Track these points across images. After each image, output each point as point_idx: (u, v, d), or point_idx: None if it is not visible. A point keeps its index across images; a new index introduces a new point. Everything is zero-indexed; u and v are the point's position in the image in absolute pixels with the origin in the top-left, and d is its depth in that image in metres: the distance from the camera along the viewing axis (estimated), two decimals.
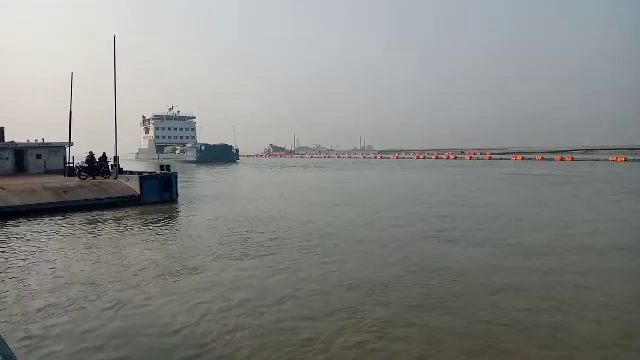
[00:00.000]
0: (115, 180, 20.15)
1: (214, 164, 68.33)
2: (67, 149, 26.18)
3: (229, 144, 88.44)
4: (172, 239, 12.23)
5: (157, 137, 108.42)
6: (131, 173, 21.15)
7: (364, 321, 6.50)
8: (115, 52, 20.85)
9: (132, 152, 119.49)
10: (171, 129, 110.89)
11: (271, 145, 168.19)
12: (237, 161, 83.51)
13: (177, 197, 20.18)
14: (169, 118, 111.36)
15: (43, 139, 27.57)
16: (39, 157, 27.81)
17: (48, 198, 17.24)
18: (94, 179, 21.44)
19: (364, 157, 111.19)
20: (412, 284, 8.04)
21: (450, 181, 31.71)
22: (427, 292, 7.61)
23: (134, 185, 19.34)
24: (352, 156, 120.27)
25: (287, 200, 20.77)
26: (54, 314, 6.66)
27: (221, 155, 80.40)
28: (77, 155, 25.49)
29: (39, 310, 6.77)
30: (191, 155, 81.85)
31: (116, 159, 20.93)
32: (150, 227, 14.12)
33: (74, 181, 20.07)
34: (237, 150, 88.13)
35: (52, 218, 15.37)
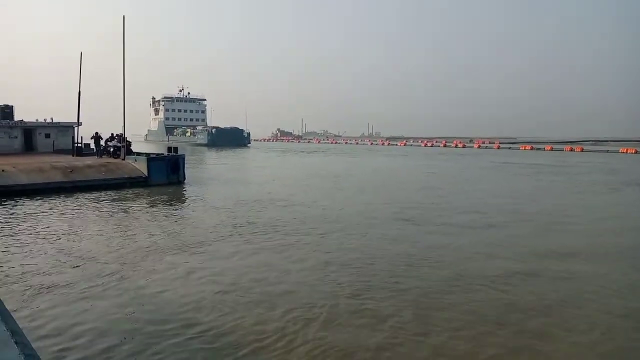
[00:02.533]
0: (123, 161, 20.17)
1: (224, 148, 68.26)
2: (76, 128, 26.18)
3: (240, 128, 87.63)
4: (179, 220, 12.52)
5: (167, 118, 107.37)
6: (139, 154, 21.07)
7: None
8: (124, 32, 20.59)
9: (140, 133, 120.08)
10: (181, 110, 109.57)
11: (278, 129, 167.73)
12: (248, 145, 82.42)
13: (184, 179, 20.15)
14: (178, 99, 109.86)
15: (52, 119, 27.56)
16: (47, 136, 27.89)
17: (56, 177, 17.29)
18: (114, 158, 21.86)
19: (371, 144, 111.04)
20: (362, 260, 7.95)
21: (436, 169, 33.10)
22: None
23: (142, 167, 19.37)
24: (360, 142, 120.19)
25: (283, 184, 20.96)
26: (56, 291, 6.88)
27: (232, 139, 79.81)
28: (85, 135, 25.53)
29: (43, 286, 6.99)
30: (202, 138, 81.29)
31: (125, 139, 20.88)
32: (158, 208, 14.36)
33: (82, 161, 20.03)
34: (249, 134, 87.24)
35: (60, 197, 15.35)
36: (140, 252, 8.74)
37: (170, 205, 14.98)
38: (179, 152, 21.33)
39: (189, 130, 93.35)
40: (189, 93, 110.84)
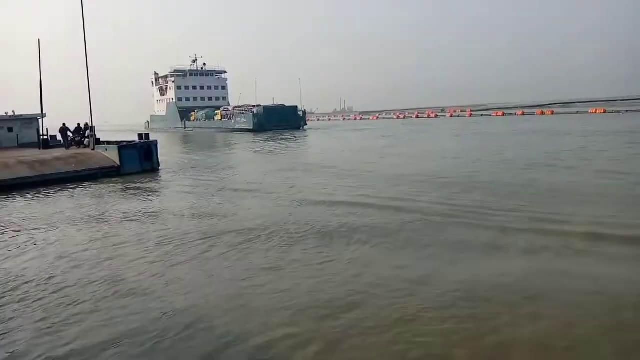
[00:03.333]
0: (93, 151, 19.54)
1: (276, 132, 56.95)
2: (40, 120, 25.02)
3: (292, 105, 71.20)
4: (156, 209, 13.16)
5: (180, 98, 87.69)
6: (109, 143, 20.38)
7: None
8: (83, 15, 19.70)
9: (133, 122, 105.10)
10: (196, 87, 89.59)
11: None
12: (305, 127, 68.55)
13: (158, 166, 19.59)
14: (192, 73, 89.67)
15: (13, 112, 26.36)
16: (10, 130, 27.16)
17: (24, 172, 16.52)
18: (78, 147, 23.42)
19: (344, 119, 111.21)
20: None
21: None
22: None
23: (113, 156, 19.17)
24: (332, 118, 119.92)
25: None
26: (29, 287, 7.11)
27: (284, 120, 65.18)
28: (52, 127, 24.52)
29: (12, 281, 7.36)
30: (243, 122, 66.21)
31: (92, 128, 20.10)
32: (134, 197, 15.33)
33: (50, 154, 19.18)
34: (304, 112, 71.59)
35: (28, 192, 14.76)
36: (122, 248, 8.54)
37: (148, 195, 16.02)
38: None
39: (218, 112, 75.60)
40: (204, 64, 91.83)
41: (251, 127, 62.92)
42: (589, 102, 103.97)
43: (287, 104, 70.33)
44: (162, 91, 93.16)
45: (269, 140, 42.90)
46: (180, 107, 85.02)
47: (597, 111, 67.16)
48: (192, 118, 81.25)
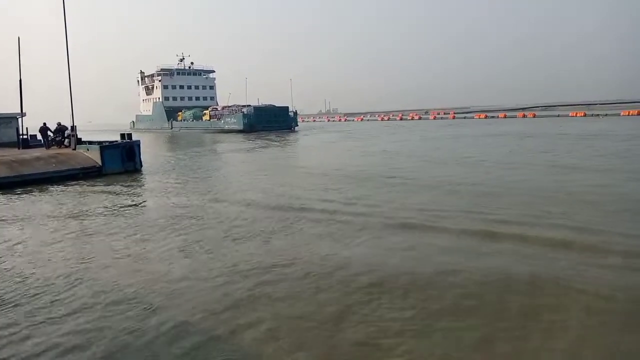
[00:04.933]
0: (74, 151, 19.27)
1: (266, 132, 57.48)
2: (20, 119, 24.59)
3: (283, 105, 70.76)
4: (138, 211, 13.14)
5: (167, 98, 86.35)
6: (91, 142, 20.15)
7: None
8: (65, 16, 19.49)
9: (118, 122, 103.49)
10: (184, 87, 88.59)
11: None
12: (296, 128, 68.22)
13: (141, 166, 19.41)
14: (180, 72, 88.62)
15: None
16: None
17: (2, 172, 16.25)
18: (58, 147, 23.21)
19: (328, 120, 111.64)
20: None
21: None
22: None
23: (95, 156, 18.98)
24: (317, 119, 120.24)
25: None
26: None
27: (275, 120, 65.08)
28: (32, 127, 24.21)
29: None
30: (233, 122, 65.54)
31: (73, 128, 19.81)
32: (115, 198, 15.10)
33: (30, 153, 18.94)
34: (295, 113, 71.26)
35: (8, 193, 14.46)
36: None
37: (129, 195, 15.69)
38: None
39: (207, 112, 74.95)
40: (192, 63, 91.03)
41: (241, 127, 62.23)
42: (571, 105, 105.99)
43: (277, 105, 69.67)
44: (148, 90, 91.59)
45: (257, 140, 42.98)
46: (166, 107, 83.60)
47: (577, 114, 68.33)
48: (179, 118, 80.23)
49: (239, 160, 27.27)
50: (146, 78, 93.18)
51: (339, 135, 49.88)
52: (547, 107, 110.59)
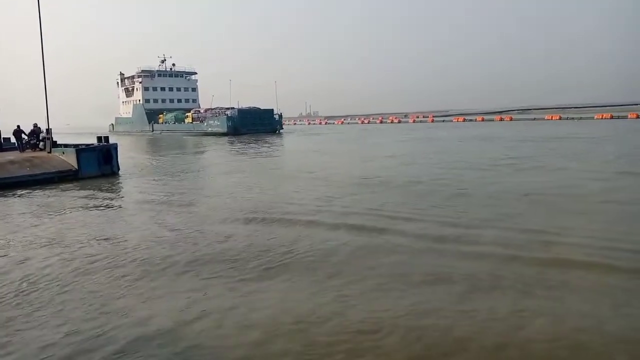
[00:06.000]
0: (49, 154, 18.85)
1: (251, 135, 56.78)
2: None
3: (267, 108, 69.64)
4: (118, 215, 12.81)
5: (147, 100, 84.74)
6: (66, 145, 19.77)
7: None
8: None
9: (96, 125, 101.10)
10: (165, 89, 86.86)
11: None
12: (281, 130, 67.95)
13: (118, 169, 19.06)
14: (161, 74, 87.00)
15: None
16: None
17: None
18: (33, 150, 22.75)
19: (309, 123, 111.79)
20: None
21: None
22: None
23: (71, 159, 18.68)
24: (297, 122, 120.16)
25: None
26: None
27: (260, 123, 64.41)
28: (5, 130, 23.69)
29: None
30: (216, 125, 64.41)
31: (48, 130, 19.46)
32: (92, 202, 14.77)
33: (3, 157, 18.54)
34: (280, 116, 70.37)
35: None
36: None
37: (106, 200, 15.35)
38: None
39: (189, 114, 73.71)
40: (174, 65, 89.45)
41: (225, 130, 61.45)
42: (548, 108, 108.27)
43: (261, 107, 69.31)
44: (129, 92, 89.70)
45: (242, 143, 42.55)
46: (147, 109, 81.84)
47: (553, 118, 69.71)
48: (161, 120, 78.65)
49: (222, 164, 26.61)
50: (126, 80, 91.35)
51: (326, 137, 49.87)
52: (524, 110, 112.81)
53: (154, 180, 19.33)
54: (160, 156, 32.67)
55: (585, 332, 5.04)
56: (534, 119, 72.78)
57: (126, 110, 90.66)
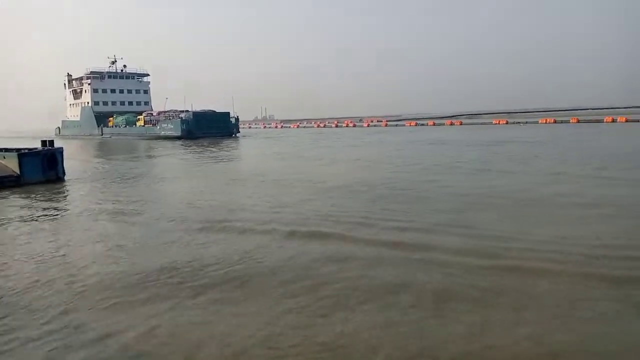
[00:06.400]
0: None
1: (206, 139, 55.46)
2: None
3: (223, 111, 67.43)
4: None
5: (97, 102, 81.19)
6: (7, 150, 18.92)
7: None
8: None
9: (42, 128, 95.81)
10: (115, 91, 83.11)
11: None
12: (238, 134, 66.73)
13: (64, 175, 18.44)
14: (111, 75, 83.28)
15: None
16: None
17: None
18: None
19: (265, 127, 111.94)
20: None
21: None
22: None
23: (12, 164, 17.97)
24: (253, 126, 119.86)
25: None
26: None
27: (215, 126, 62.40)
28: None
29: None
30: (170, 128, 62.58)
31: None
32: (32, 211, 13.96)
33: None
34: (237, 119, 69.05)
35: None
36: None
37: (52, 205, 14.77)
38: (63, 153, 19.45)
39: (141, 117, 70.97)
40: (125, 66, 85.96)
41: (179, 133, 59.84)
42: (495, 113, 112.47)
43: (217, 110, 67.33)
44: (76, 94, 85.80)
45: (196, 147, 41.83)
46: (96, 112, 78.60)
47: (500, 122, 72.39)
48: (111, 124, 75.99)
49: (174, 169, 26.23)
50: (74, 81, 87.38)
51: (283, 141, 49.53)
52: (473, 115, 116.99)
53: (101, 186, 18.79)
54: (109, 161, 31.62)
55: (537, 343, 4.99)
56: (482, 123, 75.61)
57: (74, 113, 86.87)
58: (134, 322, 5.71)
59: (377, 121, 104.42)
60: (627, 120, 58.58)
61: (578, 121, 64.00)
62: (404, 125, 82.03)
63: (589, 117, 73.77)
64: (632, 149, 25.81)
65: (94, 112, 78.73)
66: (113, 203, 14.33)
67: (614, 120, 60.32)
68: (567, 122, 64.57)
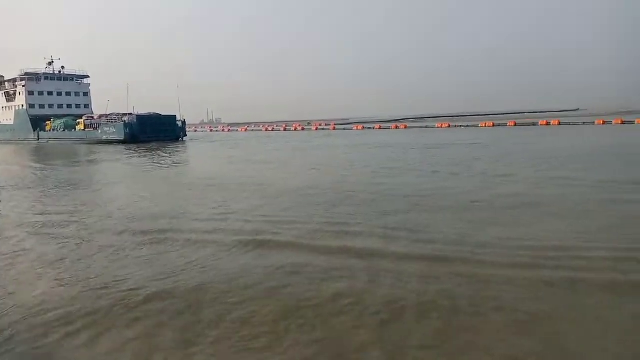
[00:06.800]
0: None
1: (152, 143, 53.29)
2: None
3: (169, 114, 65.07)
4: None
5: (32, 105, 77.43)
6: None
7: None
8: None
9: None
10: (53, 93, 79.61)
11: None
12: (184, 138, 64.61)
13: None
14: (48, 77, 79.59)
15: None
16: None
17: None
18: None
19: (211, 130, 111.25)
20: None
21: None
22: None
23: None
24: (199, 129, 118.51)
25: None
26: None
27: (161, 130, 60.54)
28: None
29: None
30: (112, 132, 59.69)
31: None
32: None
33: None
34: (184, 122, 66.76)
35: None
36: None
37: None
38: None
39: (81, 121, 67.17)
40: (63, 68, 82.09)
41: (122, 137, 57.38)
42: (439, 117, 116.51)
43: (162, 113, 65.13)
44: (9, 97, 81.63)
45: (140, 151, 40.23)
46: (32, 116, 75.15)
47: (443, 125, 74.65)
48: (48, 128, 72.55)
49: (115, 174, 24.92)
50: (6, 83, 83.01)
51: (230, 144, 48.85)
52: (418, 118, 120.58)
53: (33, 195, 17.41)
54: (45, 167, 29.51)
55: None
56: (426, 126, 77.46)
57: (6, 117, 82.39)
58: None
59: (325, 125, 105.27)
60: (559, 123, 61.85)
61: (515, 124, 66.62)
62: (351, 129, 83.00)
63: (525, 120, 77.98)
64: (571, 150, 26.39)
65: (29, 115, 75.27)
66: (44, 215, 13.14)
67: (548, 124, 63.55)
68: (505, 125, 67.15)
